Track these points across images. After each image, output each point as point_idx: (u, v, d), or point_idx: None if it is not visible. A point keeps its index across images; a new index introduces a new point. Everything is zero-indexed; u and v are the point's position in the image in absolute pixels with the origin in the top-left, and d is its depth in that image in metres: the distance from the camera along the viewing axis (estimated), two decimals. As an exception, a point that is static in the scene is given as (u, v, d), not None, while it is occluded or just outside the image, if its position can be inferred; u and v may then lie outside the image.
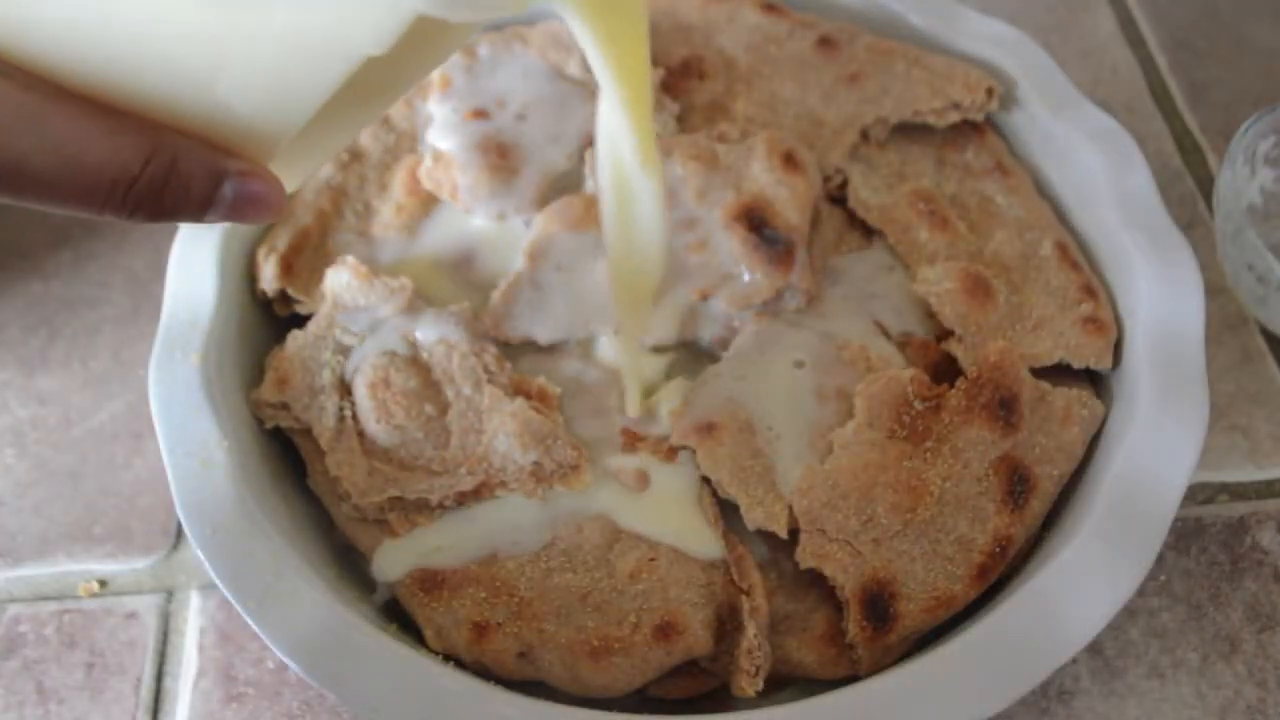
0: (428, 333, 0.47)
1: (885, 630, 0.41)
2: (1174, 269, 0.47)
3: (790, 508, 0.43)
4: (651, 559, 0.43)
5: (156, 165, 0.31)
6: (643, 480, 0.45)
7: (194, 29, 0.30)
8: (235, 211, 0.33)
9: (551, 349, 0.49)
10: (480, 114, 0.53)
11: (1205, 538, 0.50)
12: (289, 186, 0.36)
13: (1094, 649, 0.47)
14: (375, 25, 0.29)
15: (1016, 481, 0.43)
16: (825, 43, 0.56)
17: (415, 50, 0.30)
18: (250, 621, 0.39)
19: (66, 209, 0.31)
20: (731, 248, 0.49)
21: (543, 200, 0.52)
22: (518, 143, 0.53)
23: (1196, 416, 0.43)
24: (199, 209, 0.33)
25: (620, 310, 0.45)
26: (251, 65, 0.30)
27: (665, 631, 0.41)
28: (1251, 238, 0.51)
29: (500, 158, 0.52)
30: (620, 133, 0.37)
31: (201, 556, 0.41)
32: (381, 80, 0.33)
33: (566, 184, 0.53)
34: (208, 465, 0.43)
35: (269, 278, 0.50)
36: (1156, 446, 0.43)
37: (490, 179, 0.51)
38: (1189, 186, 0.62)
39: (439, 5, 0.29)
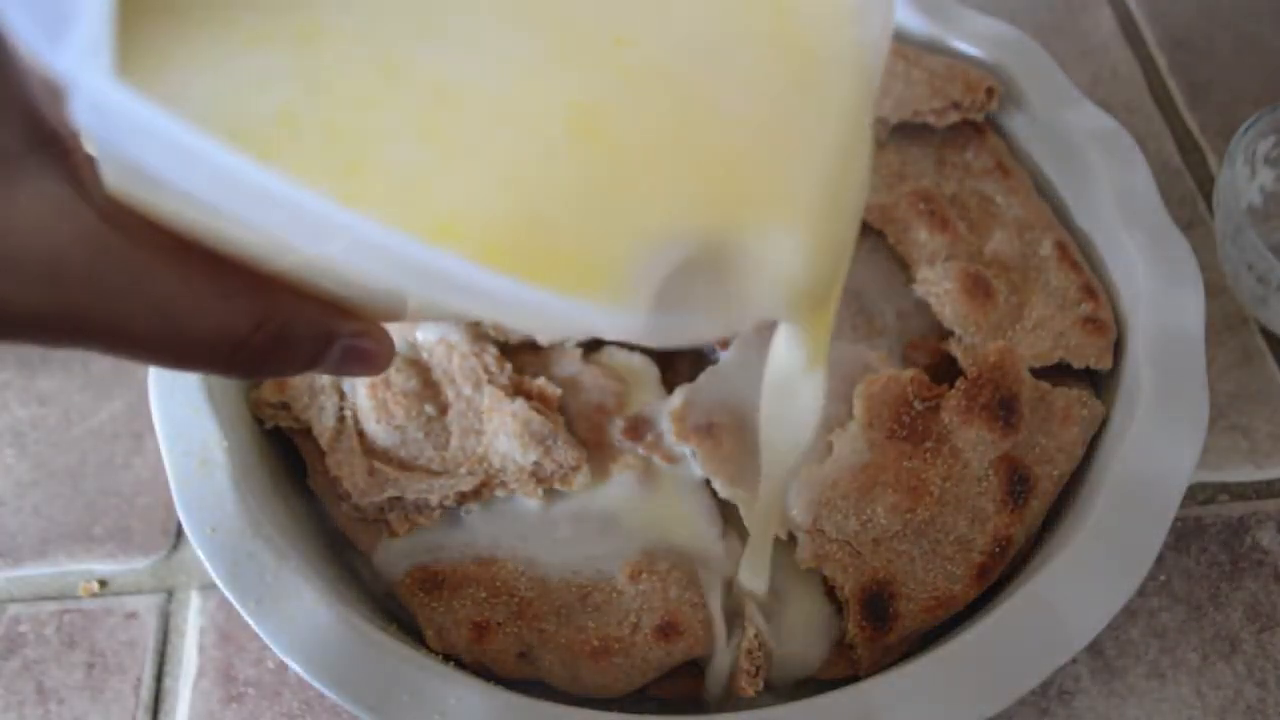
0: (428, 333, 0.47)
1: (885, 630, 0.41)
2: (1174, 269, 0.47)
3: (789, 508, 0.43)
4: (652, 559, 0.43)
5: (266, 332, 0.28)
6: (643, 480, 0.45)
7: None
8: (339, 368, 0.31)
9: (551, 349, 0.49)
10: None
11: (1205, 538, 0.50)
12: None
13: (1094, 649, 0.47)
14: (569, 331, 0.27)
15: (1016, 481, 0.43)
16: (825, 43, 0.56)
17: None
18: (250, 621, 0.39)
19: (159, 366, 0.28)
20: (731, 248, 0.49)
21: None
22: (518, 143, 0.53)
23: (1196, 416, 0.43)
24: (303, 369, 0.30)
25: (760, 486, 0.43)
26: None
27: (665, 631, 0.41)
28: (1251, 238, 0.51)
29: (500, 158, 0.52)
30: (795, 346, 0.35)
31: (201, 556, 0.41)
32: None
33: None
34: (207, 465, 0.43)
35: (269, 278, 0.50)
36: (1156, 446, 0.43)
37: (490, 179, 0.51)
38: (1189, 186, 0.62)
39: (643, 336, 0.27)
